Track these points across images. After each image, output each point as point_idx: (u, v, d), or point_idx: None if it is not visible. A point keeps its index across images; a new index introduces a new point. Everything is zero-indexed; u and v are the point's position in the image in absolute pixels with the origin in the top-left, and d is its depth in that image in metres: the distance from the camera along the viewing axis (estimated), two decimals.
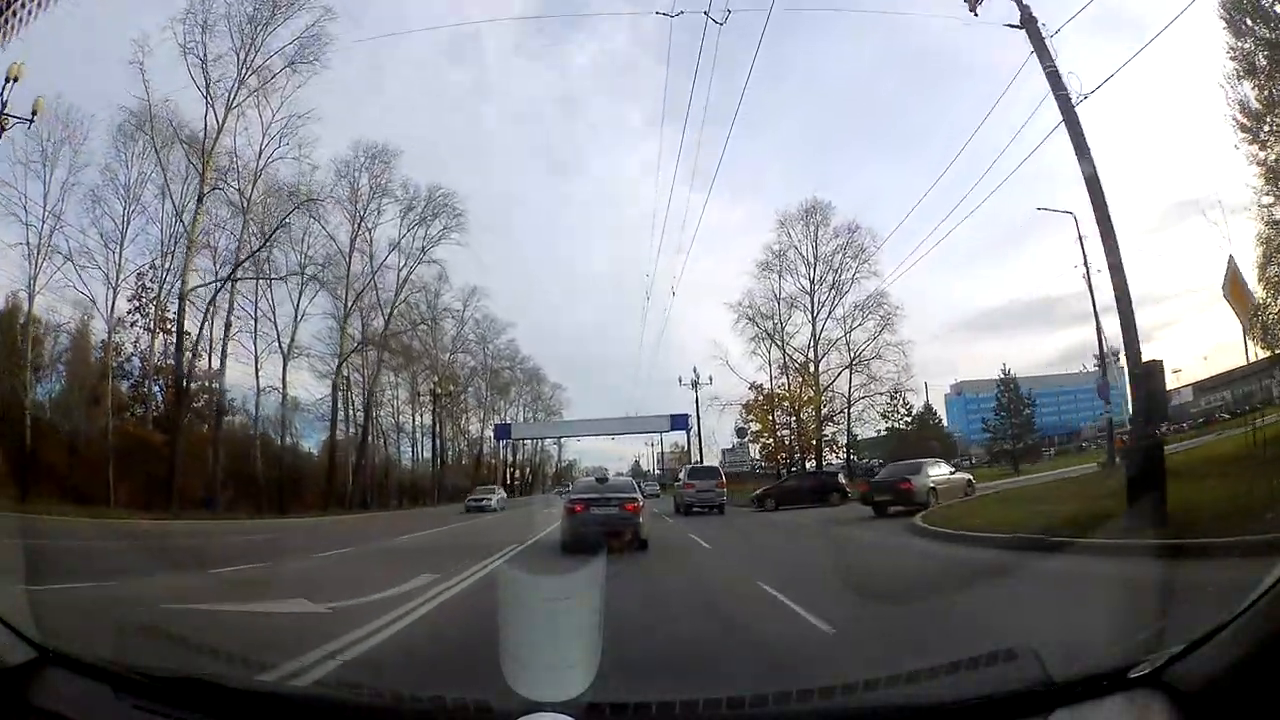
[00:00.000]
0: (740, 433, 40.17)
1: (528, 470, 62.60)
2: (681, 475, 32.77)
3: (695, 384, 43.06)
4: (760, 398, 43.10)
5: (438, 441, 49.99)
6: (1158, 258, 59.48)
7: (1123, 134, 49.79)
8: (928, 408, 42.95)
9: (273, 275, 34.86)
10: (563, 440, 62.64)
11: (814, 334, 41.15)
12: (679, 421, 46.12)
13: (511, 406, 56.08)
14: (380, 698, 2.58)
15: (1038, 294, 76.90)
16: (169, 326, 31.60)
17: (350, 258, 39.26)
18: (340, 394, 40.26)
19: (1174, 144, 53.37)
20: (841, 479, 26.94)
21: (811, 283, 41.28)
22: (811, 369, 41.34)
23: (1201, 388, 36.70)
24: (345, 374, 40.61)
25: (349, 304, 38.95)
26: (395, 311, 41.47)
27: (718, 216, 68.11)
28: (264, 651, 4.40)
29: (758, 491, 27.44)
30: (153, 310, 31.13)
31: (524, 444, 60.43)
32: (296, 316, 36.87)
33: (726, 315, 48.70)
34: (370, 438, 42.13)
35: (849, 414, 41.49)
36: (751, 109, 64.96)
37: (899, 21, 48.18)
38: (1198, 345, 60.26)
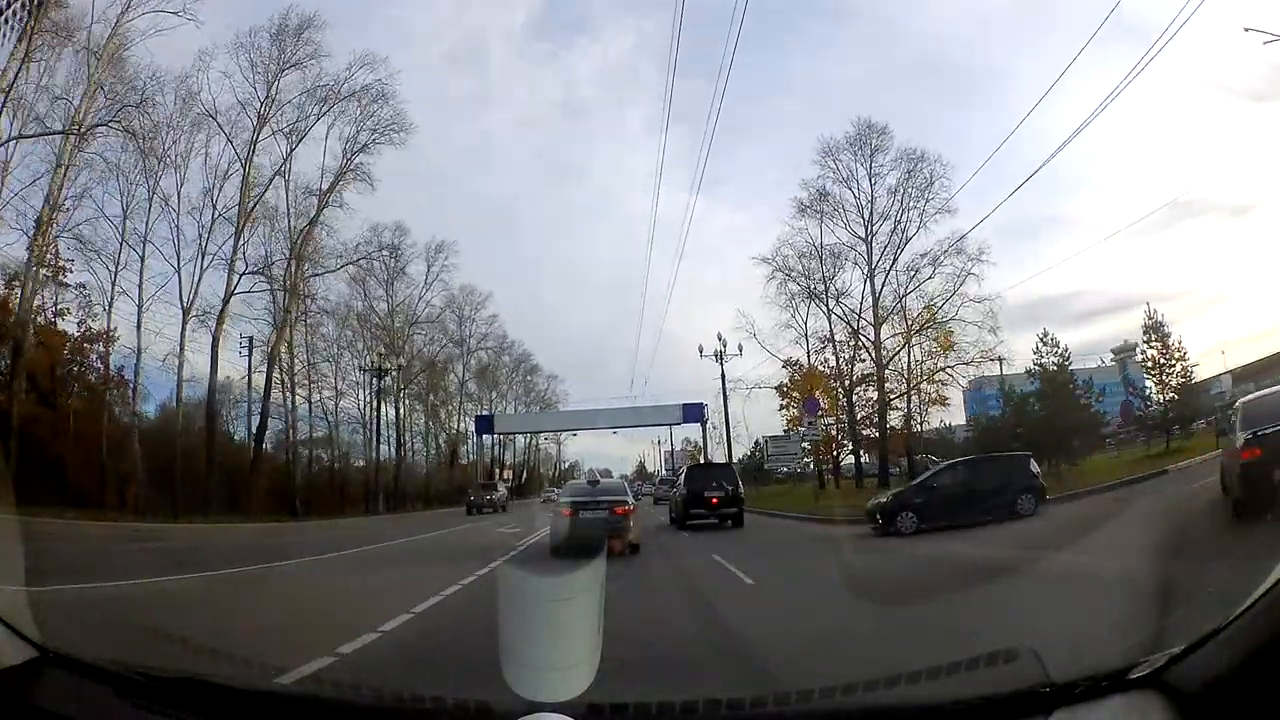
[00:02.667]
0: (812, 405, 28.82)
1: (523, 473, 56.72)
2: (680, 480, 22.09)
3: (720, 355, 33.32)
4: (799, 377, 34.27)
5: (398, 434, 40.85)
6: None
7: None
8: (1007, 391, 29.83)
9: (74, 129, 24.27)
10: (562, 439, 55.90)
11: (873, 291, 31.33)
12: (692, 412, 38.87)
13: (503, 401, 49.52)
14: (380, 698, 2.58)
15: (1044, 291, 75.82)
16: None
17: (247, 167, 30.00)
18: (282, 377, 33.52)
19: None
20: (1034, 467, 15.44)
21: (867, 227, 31.74)
22: (871, 335, 31.77)
23: (1241, 375, 30.29)
24: (283, 354, 33.52)
25: (241, 227, 29.97)
26: (307, 244, 32.37)
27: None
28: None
29: (879, 501, 15.83)
30: None
31: (513, 441, 53.48)
32: (201, 264, 29.07)
33: (753, 276, 42.98)
34: (291, 424, 34.66)
35: (909, 396, 31.62)
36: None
37: (899, 29, 48.31)
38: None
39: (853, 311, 32.44)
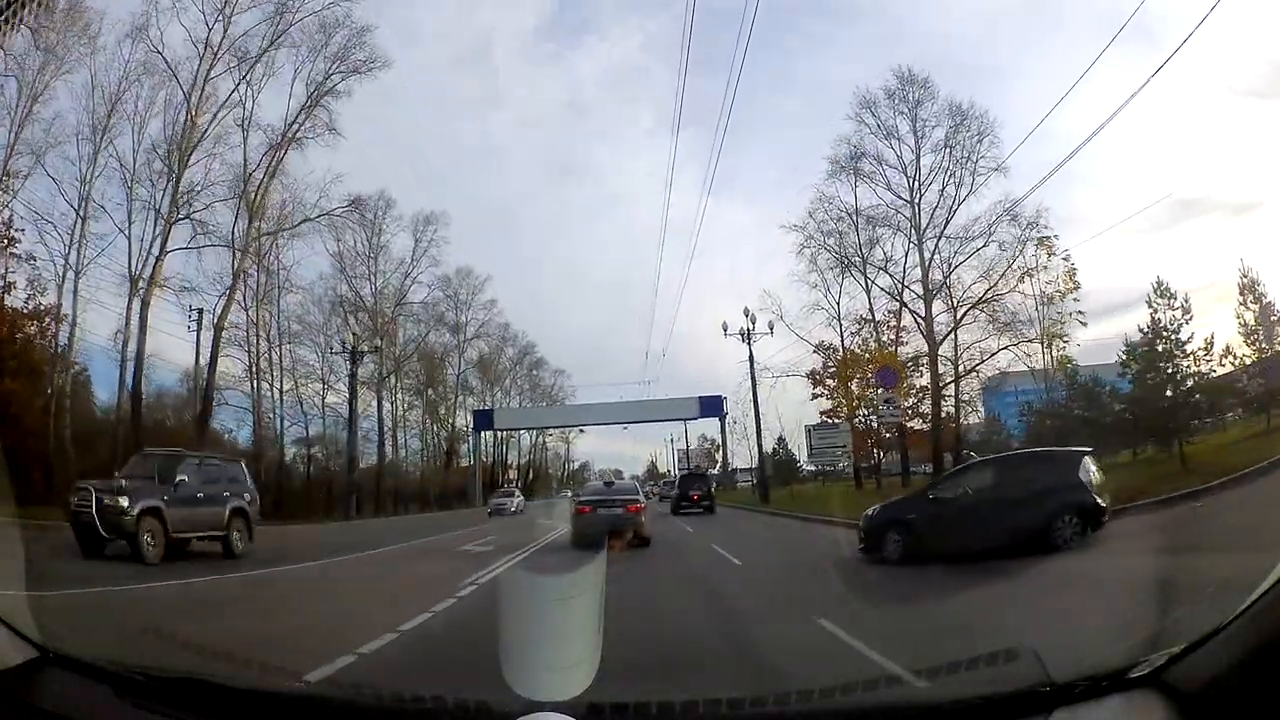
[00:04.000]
0: (888, 377, 24.79)
1: (529, 473, 52.45)
2: (676, 485, 29.69)
3: (748, 334, 29.22)
4: (835, 363, 30.03)
5: (379, 427, 35.86)
6: None
7: None
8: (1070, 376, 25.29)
9: None
10: (570, 437, 51.27)
11: (922, 260, 26.86)
12: (710, 405, 35.71)
13: (506, 397, 44.98)
14: (381, 698, 2.58)
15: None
16: None
17: (193, 100, 26.12)
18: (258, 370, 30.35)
19: None
20: (1088, 472, 10.02)
21: (912, 187, 27.31)
22: (921, 312, 27.12)
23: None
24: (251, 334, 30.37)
25: (180, 167, 26.15)
26: (266, 199, 28.49)
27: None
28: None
29: (868, 513, 11.20)
30: None
31: (518, 441, 48.97)
32: (154, 226, 25.75)
33: (761, 274, 39.31)
34: (257, 415, 31.07)
35: (958, 381, 27.35)
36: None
37: (906, 29, 48.21)
38: None
39: (898, 282, 27.85)
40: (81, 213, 25.04)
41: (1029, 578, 7.75)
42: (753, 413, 31.56)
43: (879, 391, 25.39)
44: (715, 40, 56.99)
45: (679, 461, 50.97)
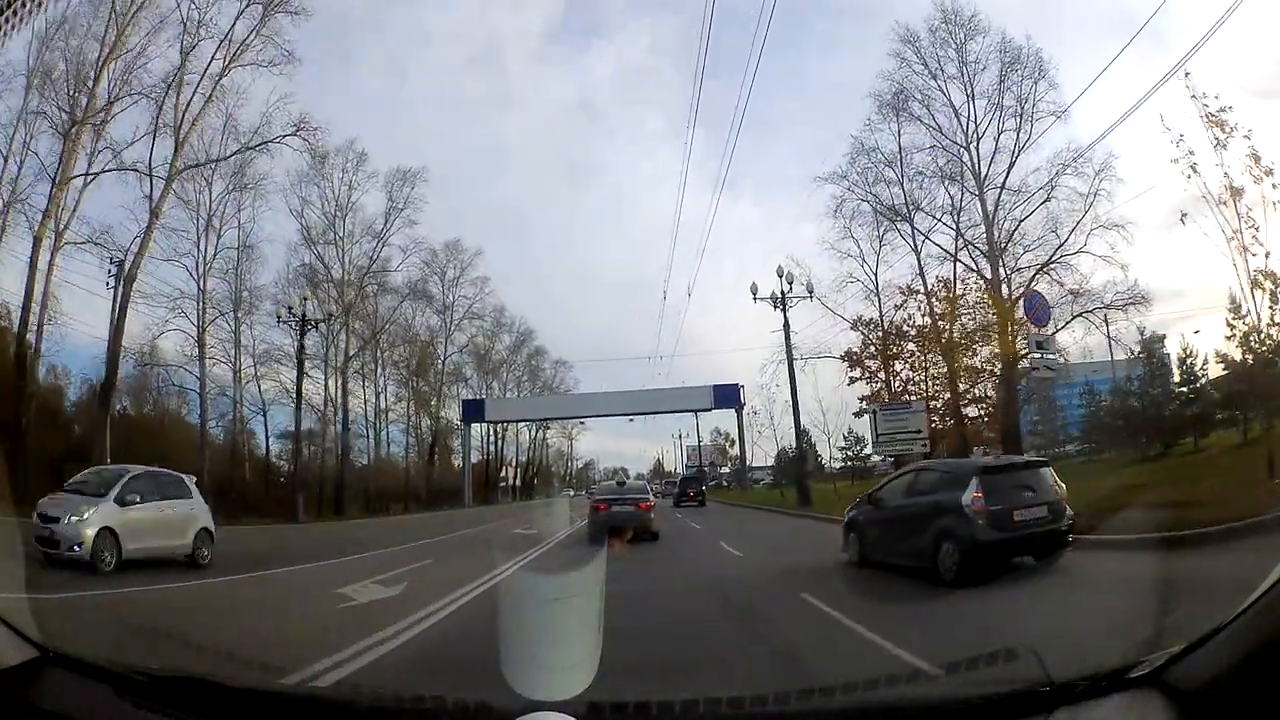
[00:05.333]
0: (1036, 308, 19.87)
1: (529, 470, 49.33)
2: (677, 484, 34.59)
3: (782, 299, 24.47)
4: (877, 339, 26.26)
5: (343, 411, 31.97)
6: None
7: None
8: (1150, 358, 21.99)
9: None
10: (573, 433, 47.72)
11: (985, 213, 22.87)
12: (725, 394, 32.94)
13: (504, 390, 41.00)
14: (381, 698, 2.58)
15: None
16: None
17: None
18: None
19: None
20: (971, 495, 7.95)
21: (966, 130, 23.31)
22: (985, 270, 23.11)
23: None
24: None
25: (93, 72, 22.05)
26: (199, 120, 24.35)
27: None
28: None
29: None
30: None
31: (517, 436, 44.93)
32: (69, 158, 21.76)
33: (793, 237, 37.80)
34: (202, 393, 27.29)
35: (1014, 362, 22.71)
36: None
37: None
38: None
39: (959, 233, 23.62)
40: None
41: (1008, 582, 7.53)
42: (781, 396, 27.97)
43: (1030, 329, 19.32)
44: (718, 40, 57.10)
45: (686, 459, 49.10)
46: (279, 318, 27.90)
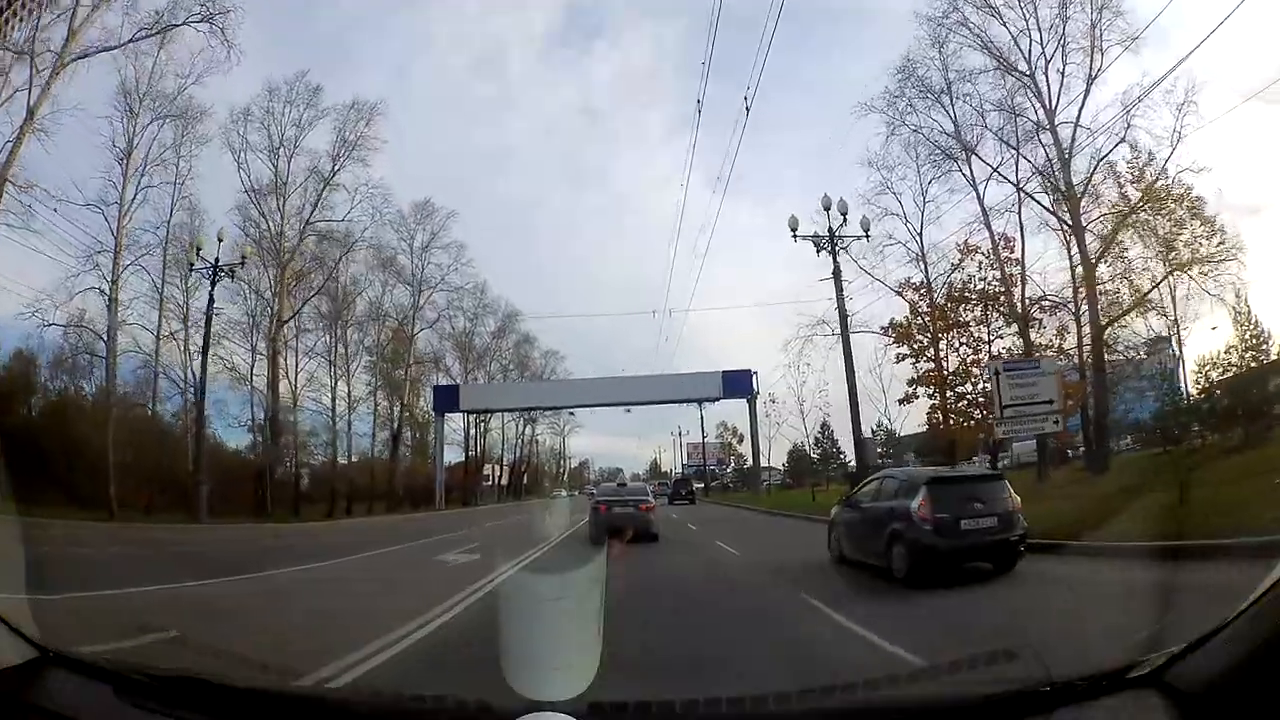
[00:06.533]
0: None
1: (521, 470, 45.33)
2: (671, 484, 38.72)
3: (830, 239, 19.42)
4: (929, 307, 22.35)
5: (271, 385, 27.72)
6: None
7: None
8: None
9: None
10: (566, 429, 43.83)
11: (1060, 150, 19.32)
12: (736, 382, 29.85)
13: (490, 380, 36.53)
14: (381, 698, 2.58)
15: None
16: None
17: None
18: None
19: None
20: (918, 503, 8.28)
21: (1029, 55, 20.18)
22: (1065, 212, 19.34)
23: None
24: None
25: None
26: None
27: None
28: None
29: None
30: None
31: (502, 431, 40.89)
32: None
33: (771, 272, 36.30)
34: (111, 364, 23.84)
35: (1078, 330, 19.92)
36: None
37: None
38: None
39: (1038, 172, 19.47)
40: None
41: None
42: (809, 380, 25.19)
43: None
44: (719, 40, 57.01)
45: (686, 458, 46.68)
46: (191, 264, 23.71)
